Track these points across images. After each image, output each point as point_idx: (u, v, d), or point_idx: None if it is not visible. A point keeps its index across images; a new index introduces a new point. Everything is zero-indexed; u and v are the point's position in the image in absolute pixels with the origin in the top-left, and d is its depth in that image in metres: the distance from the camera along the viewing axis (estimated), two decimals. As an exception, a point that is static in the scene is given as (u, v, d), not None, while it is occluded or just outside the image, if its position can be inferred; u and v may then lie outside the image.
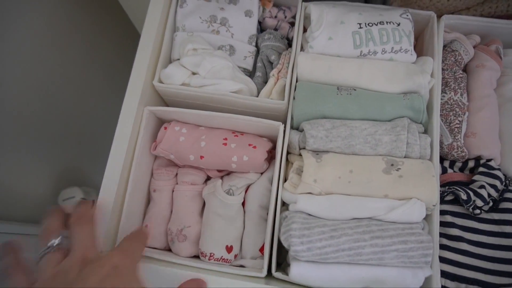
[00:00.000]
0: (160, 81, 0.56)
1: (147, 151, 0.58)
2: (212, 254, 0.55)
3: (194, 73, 0.54)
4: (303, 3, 0.59)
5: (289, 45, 0.62)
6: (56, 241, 0.39)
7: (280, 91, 0.55)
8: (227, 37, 0.59)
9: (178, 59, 0.57)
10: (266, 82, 0.58)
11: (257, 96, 0.56)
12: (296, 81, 0.56)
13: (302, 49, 0.58)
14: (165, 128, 0.58)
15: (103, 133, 1.17)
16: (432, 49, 0.56)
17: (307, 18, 0.60)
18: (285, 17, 0.62)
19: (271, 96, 0.55)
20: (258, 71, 0.59)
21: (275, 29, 0.62)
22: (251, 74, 0.60)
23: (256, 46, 0.61)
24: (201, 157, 0.55)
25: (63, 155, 1.05)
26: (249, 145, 0.56)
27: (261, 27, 0.63)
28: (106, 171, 0.51)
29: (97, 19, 1.11)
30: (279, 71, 0.56)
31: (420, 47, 0.61)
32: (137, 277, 0.37)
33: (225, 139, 0.56)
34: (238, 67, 0.58)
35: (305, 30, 0.60)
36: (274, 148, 0.58)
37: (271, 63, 0.59)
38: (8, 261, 0.39)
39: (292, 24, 0.63)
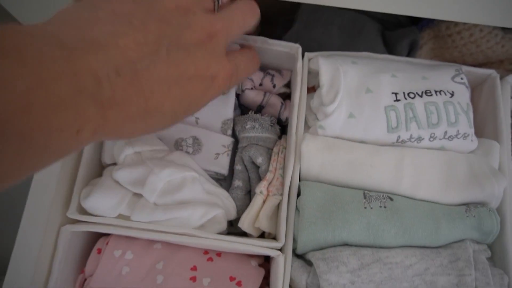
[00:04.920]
0: (83, 210, 0.35)
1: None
2: None
3: (137, 194, 0.34)
4: (306, 54, 0.40)
5: (282, 131, 0.42)
6: None
7: (272, 215, 0.36)
8: (190, 125, 0.39)
9: (113, 164, 0.37)
10: (248, 194, 0.39)
11: (236, 218, 0.37)
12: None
13: (305, 123, 0.39)
14: (99, 251, 0.37)
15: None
16: (494, 126, 0.38)
17: (311, 74, 0.41)
18: (274, 85, 0.42)
19: (259, 222, 0.36)
20: (238, 178, 0.39)
21: (261, 107, 0.42)
22: (225, 179, 0.40)
23: (233, 134, 0.41)
24: (156, 300, 0.36)
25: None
26: (231, 279, 0.37)
27: (239, 103, 0.43)
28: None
29: None
30: (270, 183, 0.36)
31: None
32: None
33: (194, 268, 0.37)
34: (206, 171, 0.38)
35: (309, 89, 0.41)
36: (268, 275, 0.39)
37: (256, 165, 0.39)
38: None
39: (285, 97, 0.43)
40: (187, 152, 0.38)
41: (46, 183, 0.34)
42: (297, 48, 0.39)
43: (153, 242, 0.38)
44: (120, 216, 0.34)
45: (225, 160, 0.40)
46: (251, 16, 0.32)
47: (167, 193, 0.34)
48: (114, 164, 0.38)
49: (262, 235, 0.39)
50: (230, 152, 0.40)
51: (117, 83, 0.22)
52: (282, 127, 0.43)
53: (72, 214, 0.34)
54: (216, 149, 0.39)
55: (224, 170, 0.39)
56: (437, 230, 0.33)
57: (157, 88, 0.25)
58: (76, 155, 0.37)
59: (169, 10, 0.26)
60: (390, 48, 0.49)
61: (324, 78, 0.37)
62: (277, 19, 0.58)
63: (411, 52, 0.49)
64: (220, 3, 0.30)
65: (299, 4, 0.50)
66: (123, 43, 0.23)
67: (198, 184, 0.36)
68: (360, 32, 0.48)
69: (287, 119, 0.42)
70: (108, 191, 0.33)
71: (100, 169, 0.39)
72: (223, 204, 0.37)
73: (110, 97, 0.22)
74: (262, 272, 0.38)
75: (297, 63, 0.39)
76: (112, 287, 0.36)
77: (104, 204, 0.33)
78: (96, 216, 0.34)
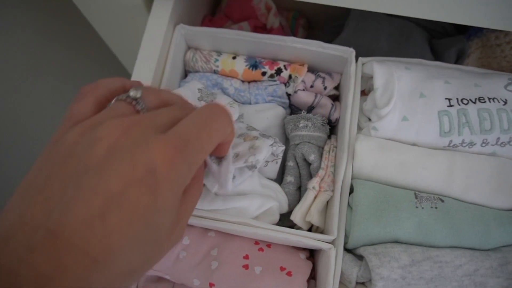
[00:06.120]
0: None
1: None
2: None
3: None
4: (360, 58, 0.42)
5: (331, 131, 0.44)
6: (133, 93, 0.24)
7: (322, 210, 0.38)
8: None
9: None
10: (299, 189, 0.41)
11: (288, 212, 0.39)
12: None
13: (358, 127, 0.41)
14: (159, 235, 0.40)
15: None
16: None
17: (362, 78, 0.42)
18: (325, 87, 0.44)
19: (310, 216, 0.38)
20: (289, 174, 0.41)
21: (311, 107, 0.44)
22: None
23: (282, 132, 0.43)
24: (211, 284, 0.38)
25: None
26: (281, 269, 0.39)
27: (290, 103, 0.45)
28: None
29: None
30: (322, 179, 0.38)
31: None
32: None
33: (246, 257, 0.39)
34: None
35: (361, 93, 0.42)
36: (313, 268, 0.41)
37: (307, 162, 0.41)
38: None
39: (333, 99, 0.46)
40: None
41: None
42: (351, 52, 0.41)
43: (207, 230, 0.41)
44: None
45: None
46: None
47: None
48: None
49: (309, 230, 0.41)
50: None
51: (34, 260, 0.18)
52: (331, 127, 0.45)
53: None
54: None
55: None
56: (487, 233, 0.34)
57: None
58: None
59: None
60: (437, 56, 0.50)
61: (379, 82, 0.39)
62: (324, 26, 0.61)
63: (458, 60, 0.50)
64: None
65: (347, 11, 0.52)
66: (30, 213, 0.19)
67: (256, 177, 0.38)
68: (407, 39, 0.50)
69: (337, 120, 0.44)
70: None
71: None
72: (276, 197, 0.39)
73: (34, 274, 0.17)
74: (310, 264, 0.40)
75: (350, 67, 0.41)
76: (170, 270, 0.39)
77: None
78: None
